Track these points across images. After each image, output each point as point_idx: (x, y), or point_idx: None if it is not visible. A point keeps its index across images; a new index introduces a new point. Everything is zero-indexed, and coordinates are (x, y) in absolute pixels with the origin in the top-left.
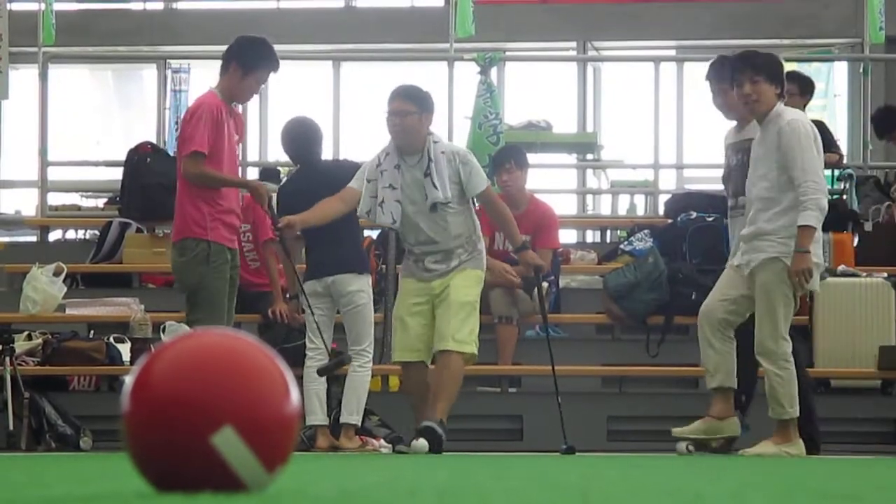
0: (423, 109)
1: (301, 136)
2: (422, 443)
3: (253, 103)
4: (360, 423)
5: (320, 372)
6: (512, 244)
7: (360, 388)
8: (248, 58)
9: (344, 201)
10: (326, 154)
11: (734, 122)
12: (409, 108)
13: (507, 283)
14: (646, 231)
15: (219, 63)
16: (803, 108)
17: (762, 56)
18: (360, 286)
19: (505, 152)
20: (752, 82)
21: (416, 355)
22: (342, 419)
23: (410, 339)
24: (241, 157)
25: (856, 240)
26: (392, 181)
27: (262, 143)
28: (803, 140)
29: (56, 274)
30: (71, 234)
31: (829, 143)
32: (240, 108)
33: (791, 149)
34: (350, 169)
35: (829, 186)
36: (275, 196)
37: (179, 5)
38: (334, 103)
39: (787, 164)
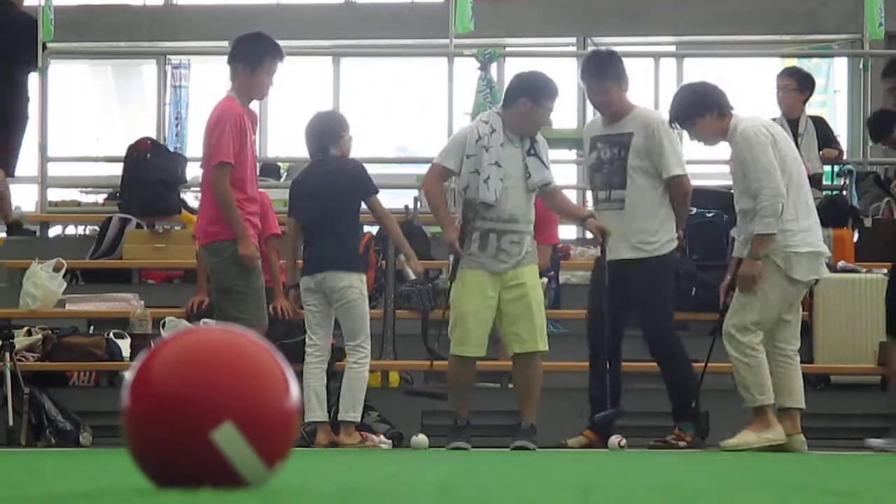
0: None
1: (314, 131)
2: (422, 438)
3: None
4: (359, 420)
5: None
6: (577, 217)
7: (356, 384)
8: (252, 54)
9: (444, 179)
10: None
11: (598, 115)
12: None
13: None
14: None
15: (218, 59)
16: (803, 104)
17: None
18: (351, 282)
19: None
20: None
21: (483, 350)
22: (340, 416)
23: (480, 335)
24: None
25: (855, 236)
26: (498, 158)
27: (260, 140)
28: (755, 148)
29: (56, 269)
30: (71, 230)
31: (829, 138)
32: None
33: (745, 161)
34: (357, 168)
35: (829, 182)
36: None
37: (179, 1)
38: (334, 99)
39: (746, 175)
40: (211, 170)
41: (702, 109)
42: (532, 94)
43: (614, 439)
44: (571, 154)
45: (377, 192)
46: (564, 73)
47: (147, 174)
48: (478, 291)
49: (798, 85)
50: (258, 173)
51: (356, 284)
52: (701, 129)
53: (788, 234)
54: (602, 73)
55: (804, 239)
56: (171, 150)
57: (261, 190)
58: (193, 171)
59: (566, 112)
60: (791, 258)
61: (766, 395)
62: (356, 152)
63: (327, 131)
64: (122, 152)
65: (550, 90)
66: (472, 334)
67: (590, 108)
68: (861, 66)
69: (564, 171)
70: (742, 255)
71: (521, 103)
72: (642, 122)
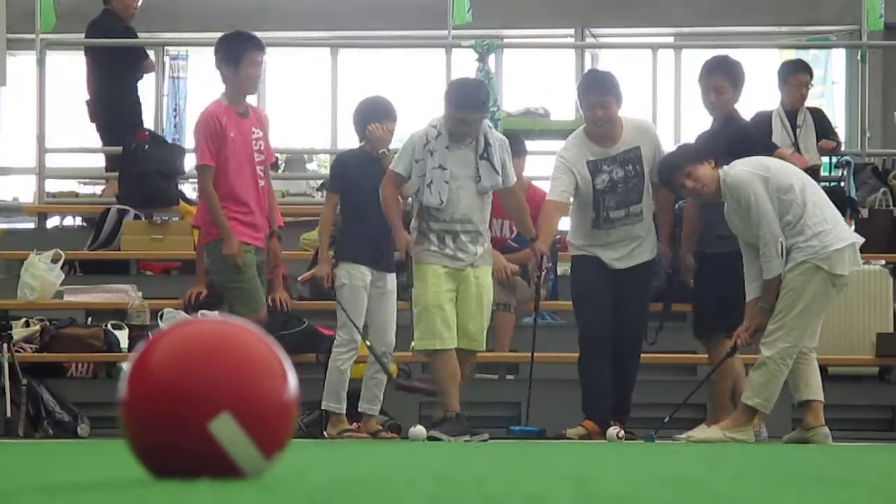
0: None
1: (356, 115)
2: (420, 429)
3: None
4: (339, 410)
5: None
6: (526, 236)
7: (330, 374)
8: (232, 51)
9: (398, 187)
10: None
11: (581, 138)
12: (480, 115)
13: (500, 279)
14: None
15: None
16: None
17: None
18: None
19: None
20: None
21: (455, 341)
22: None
23: (451, 326)
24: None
25: (853, 227)
26: (442, 161)
27: None
28: (743, 197)
29: (54, 261)
30: (69, 221)
31: (827, 130)
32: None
33: (741, 209)
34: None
35: (827, 173)
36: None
37: None
38: (332, 90)
39: (747, 220)
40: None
41: (698, 157)
42: (448, 100)
43: (612, 430)
44: None
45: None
46: (562, 64)
47: (145, 165)
48: (443, 284)
49: (812, 80)
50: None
51: (338, 274)
52: (701, 175)
53: (823, 235)
54: (605, 87)
55: (839, 234)
56: (170, 141)
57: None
58: (192, 163)
59: (564, 104)
60: (833, 257)
61: (762, 402)
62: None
63: (356, 121)
64: (121, 143)
65: (466, 99)
66: (446, 326)
67: None
68: (859, 57)
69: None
70: (754, 295)
71: (446, 108)
72: (640, 132)
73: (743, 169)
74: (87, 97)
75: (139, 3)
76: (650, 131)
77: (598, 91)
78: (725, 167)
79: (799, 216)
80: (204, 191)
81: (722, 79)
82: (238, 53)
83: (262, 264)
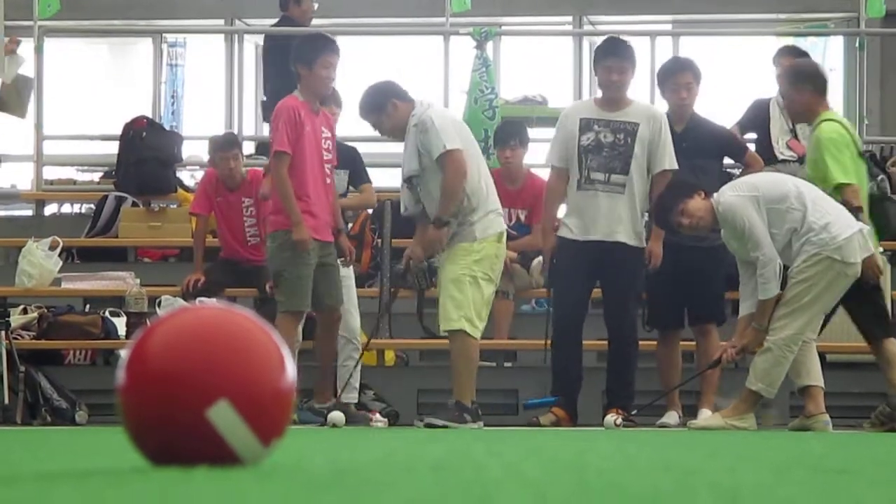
0: (380, 111)
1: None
2: (337, 415)
3: (249, 78)
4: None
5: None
6: (432, 217)
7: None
8: (305, 53)
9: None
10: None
11: (586, 100)
12: (370, 120)
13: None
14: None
15: (214, 37)
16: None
17: None
18: None
19: (509, 130)
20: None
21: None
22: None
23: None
24: (241, 133)
25: None
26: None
27: (257, 119)
28: (738, 224)
29: (52, 248)
30: (67, 209)
31: None
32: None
33: (736, 232)
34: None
35: None
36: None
37: None
38: None
39: (744, 241)
40: (271, 159)
41: (687, 192)
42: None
43: (610, 418)
44: None
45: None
46: (560, 52)
47: (143, 152)
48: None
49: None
50: (254, 152)
51: None
52: (694, 209)
53: (830, 226)
54: (624, 54)
55: (845, 222)
56: (167, 128)
57: (257, 168)
58: (189, 150)
59: (562, 91)
60: (844, 246)
61: (766, 388)
62: (353, 130)
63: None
64: (119, 130)
65: (363, 102)
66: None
67: (585, 87)
68: (857, 44)
69: None
70: (748, 312)
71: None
72: (648, 115)
73: (732, 195)
74: (264, 98)
75: (315, 7)
76: (657, 119)
77: (617, 56)
78: (716, 195)
79: (801, 220)
80: (278, 177)
81: (690, 76)
82: (313, 55)
83: (328, 259)
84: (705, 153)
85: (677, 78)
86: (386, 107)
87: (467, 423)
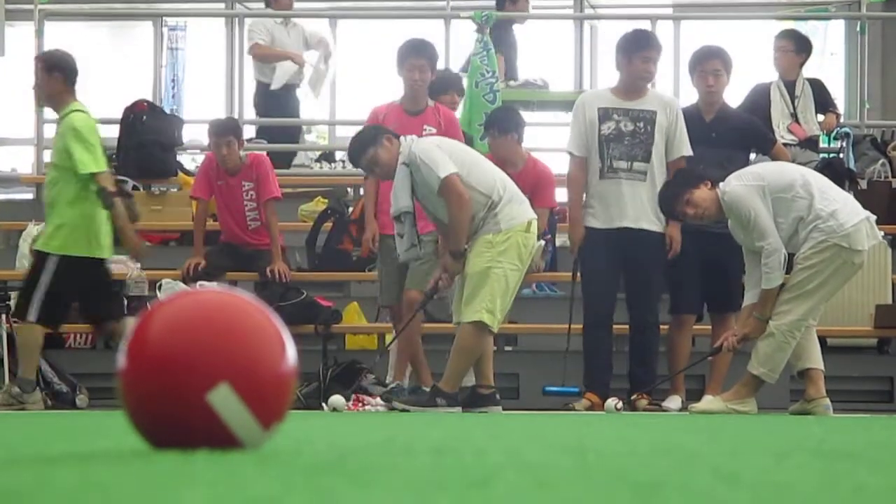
0: (376, 143)
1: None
2: (338, 399)
3: (249, 62)
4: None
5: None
6: (446, 248)
7: None
8: (398, 55)
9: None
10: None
11: (604, 90)
12: (366, 156)
13: None
14: None
15: (214, 21)
16: (800, 66)
17: None
18: None
19: (491, 118)
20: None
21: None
22: None
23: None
24: (241, 117)
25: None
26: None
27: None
28: (743, 214)
29: None
30: None
31: (826, 101)
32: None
33: (741, 223)
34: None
35: (826, 145)
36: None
37: None
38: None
39: (748, 231)
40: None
41: (693, 182)
42: None
43: (611, 402)
44: (567, 117)
45: None
46: (561, 36)
47: (143, 136)
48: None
49: (795, 47)
50: (255, 136)
51: None
52: (700, 199)
53: (838, 213)
54: (658, 45)
55: (852, 209)
56: (168, 112)
57: (257, 153)
58: (190, 134)
59: (563, 75)
60: (851, 234)
61: (768, 373)
62: (354, 115)
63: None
64: (119, 114)
65: (354, 142)
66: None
67: (587, 73)
68: (858, 28)
69: (562, 133)
70: (751, 301)
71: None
72: (663, 102)
73: (738, 184)
74: None
75: None
76: (673, 106)
77: (654, 47)
78: (721, 185)
79: (808, 208)
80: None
81: (718, 63)
82: (401, 58)
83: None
84: (734, 144)
85: (704, 65)
86: (381, 139)
87: (438, 407)
